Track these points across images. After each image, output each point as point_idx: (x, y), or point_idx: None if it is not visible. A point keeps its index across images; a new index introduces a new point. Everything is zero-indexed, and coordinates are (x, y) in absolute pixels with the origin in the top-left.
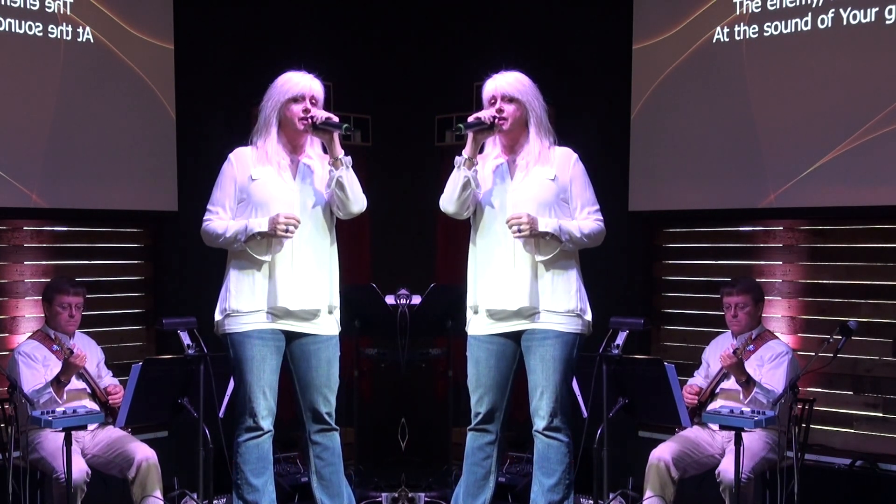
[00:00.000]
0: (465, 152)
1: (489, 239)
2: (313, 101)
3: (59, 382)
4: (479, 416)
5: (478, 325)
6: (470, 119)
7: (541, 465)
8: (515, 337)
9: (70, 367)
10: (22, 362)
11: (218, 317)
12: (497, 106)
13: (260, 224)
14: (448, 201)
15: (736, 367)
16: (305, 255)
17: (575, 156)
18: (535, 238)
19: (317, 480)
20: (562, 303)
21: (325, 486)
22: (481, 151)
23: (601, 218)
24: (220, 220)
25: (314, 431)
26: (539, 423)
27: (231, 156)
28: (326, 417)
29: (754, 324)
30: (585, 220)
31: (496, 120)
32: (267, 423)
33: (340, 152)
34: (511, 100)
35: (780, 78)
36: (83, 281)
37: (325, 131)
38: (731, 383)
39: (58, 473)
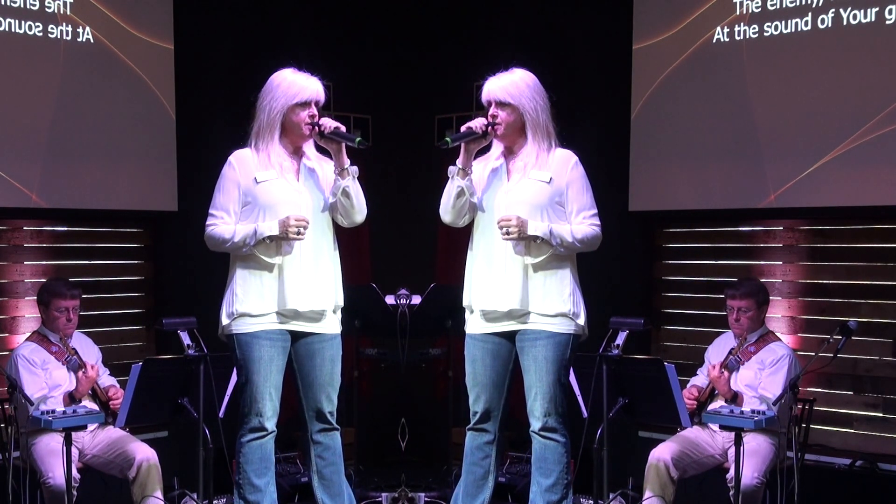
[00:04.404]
0: (459, 162)
1: (484, 240)
2: (317, 105)
3: (71, 398)
4: (477, 416)
5: (473, 325)
6: (462, 129)
7: (538, 465)
8: (510, 337)
9: (84, 384)
10: (22, 366)
11: (225, 320)
12: (491, 111)
13: (270, 227)
14: (444, 211)
15: (721, 384)
16: (313, 256)
17: (574, 159)
18: (526, 241)
19: (318, 480)
20: (553, 305)
21: (327, 486)
22: (486, 152)
23: (598, 223)
24: (225, 224)
25: (316, 431)
26: (534, 423)
27: (231, 158)
28: (329, 416)
29: (756, 326)
30: (580, 224)
31: (489, 127)
32: (271, 423)
33: (347, 162)
34: (505, 105)
35: (781, 78)
36: (83, 281)
37: (332, 140)
38: (733, 383)
39: (45, 477)
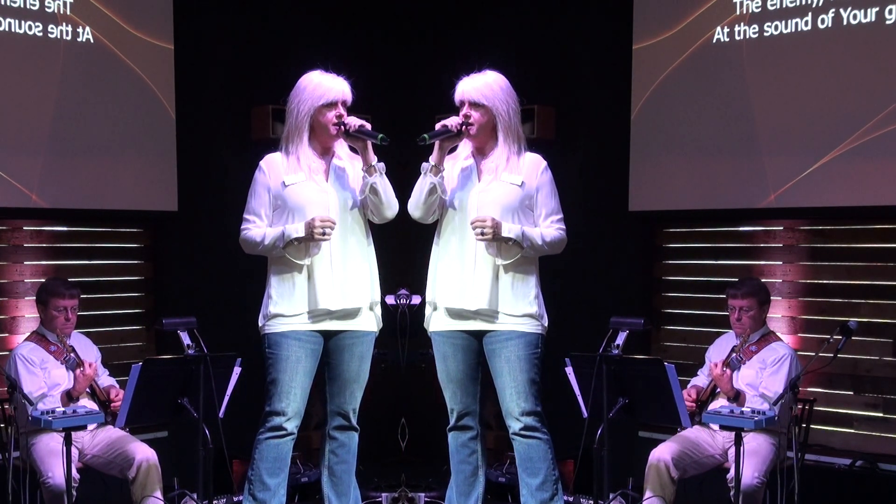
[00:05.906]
0: (432, 159)
1: (452, 238)
2: (344, 105)
3: (69, 396)
4: (456, 413)
5: (438, 322)
6: (437, 126)
7: (524, 466)
8: (477, 336)
9: (81, 382)
10: (21, 365)
11: (260, 322)
12: (464, 111)
13: (297, 230)
14: (414, 206)
15: (724, 382)
16: (343, 255)
17: (544, 164)
18: (497, 242)
19: (327, 476)
20: (520, 307)
21: (335, 483)
22: (454, 151)
23: (564, 227)
24: (258, 228)
25: (334, 426)
26: (514, 424)
27: (262, 163)
28: (350, 414)
29: (758, 326)
30: (548, 228)
31: (463, 127)
32: (292, 424)
33: (374, 159)
34: (478, 105)
35: (780, 78)
36: (83, 281)
37: (357, 138)
38: (734, 381)
39: (45, 477)
